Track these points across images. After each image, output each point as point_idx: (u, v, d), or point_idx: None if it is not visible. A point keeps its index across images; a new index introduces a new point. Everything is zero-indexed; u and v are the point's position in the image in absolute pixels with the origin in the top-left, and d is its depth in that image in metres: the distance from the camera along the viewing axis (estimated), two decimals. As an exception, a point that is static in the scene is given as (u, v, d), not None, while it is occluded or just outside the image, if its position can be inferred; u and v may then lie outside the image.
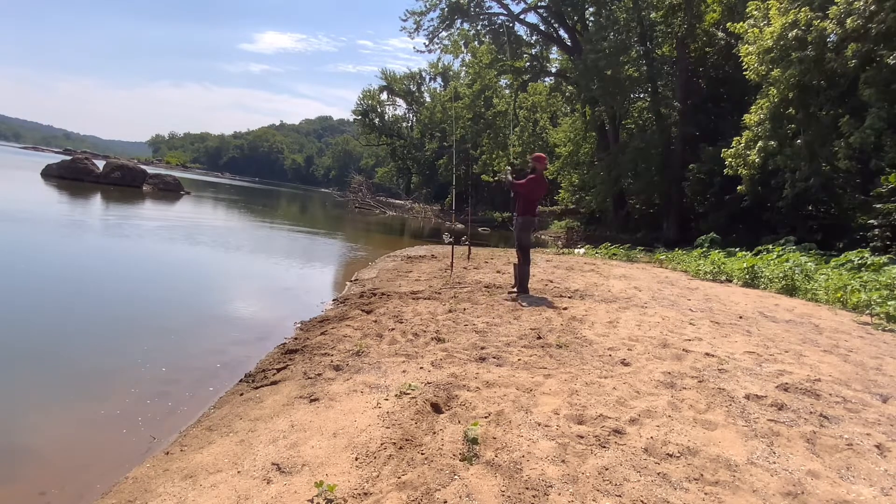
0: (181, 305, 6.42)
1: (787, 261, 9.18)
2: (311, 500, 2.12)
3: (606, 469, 2.29)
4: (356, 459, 2.42)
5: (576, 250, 14.67)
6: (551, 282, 7.94)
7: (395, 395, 3.15)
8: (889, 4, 10.28)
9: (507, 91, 31.02)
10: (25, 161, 42.44)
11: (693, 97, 20.43)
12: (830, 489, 2.25)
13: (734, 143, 14.00)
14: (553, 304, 6.13)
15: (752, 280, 9.06)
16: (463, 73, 37.95)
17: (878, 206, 10.80)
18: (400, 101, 55.51)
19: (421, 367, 3.70)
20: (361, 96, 54.07)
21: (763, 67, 12.75)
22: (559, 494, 2.10)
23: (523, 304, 5.99)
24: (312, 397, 3.25)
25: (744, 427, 2.82)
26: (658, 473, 2.29)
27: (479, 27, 25.92)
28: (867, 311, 6.62)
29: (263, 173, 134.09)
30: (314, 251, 13.62)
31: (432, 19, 25.64)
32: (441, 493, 2.07)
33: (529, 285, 6.84)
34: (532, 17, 26.39)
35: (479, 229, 25.22)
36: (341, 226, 23.63)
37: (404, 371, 3.64)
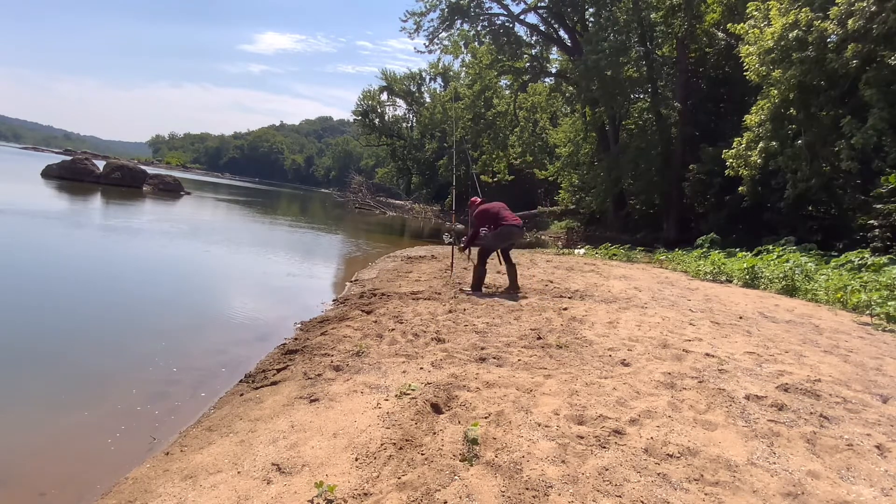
0: (181, 305, 6.42)
1: (787, 261, 9.17)
2: (311, 501, 2.11)
3: (606, 469, 2.29)
4: (356, 460, 2.42)
5: (576, 251, 14.66)
6: (551, 282, 7.94)
7: (395, 396, 3.15)
8: (890, 5, 10.28)
9: (507, 92, 31.02)
10: (25, 161, 42.46)
11: (693, 97, 20.42)
12: (830, 490, 2.25)
13: (735, 143, 14.00)
14: (553, 304, 6.13)
15: (752, 280, 9.05)
16: (463, 73, 37.91)
17: (879, 206, 10.80)
18: (400, 102, 55.43)
19: (421, 368, 3.70)
20: (361, 97, 54.01)
21: (764, 68, 12.74)
22: (559, 495, 2.09)
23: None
24: (312, 398, 3.25)
25: (744, 427, 2.81)
26: (658, 474, 2.29)
27: (478, 28, 25.94)
28: (867, 312, 6.61)
29: (263, 174, 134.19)
30: (314, 251, 13.62)
31: (432, 20, 25.69)
32: (441, 494, 2.07)
33: (530, 286, 6.89)
34: (532, 18, 26.41)
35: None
36: (341, 226, 23.62)
37: (404, 371, 3.64)
